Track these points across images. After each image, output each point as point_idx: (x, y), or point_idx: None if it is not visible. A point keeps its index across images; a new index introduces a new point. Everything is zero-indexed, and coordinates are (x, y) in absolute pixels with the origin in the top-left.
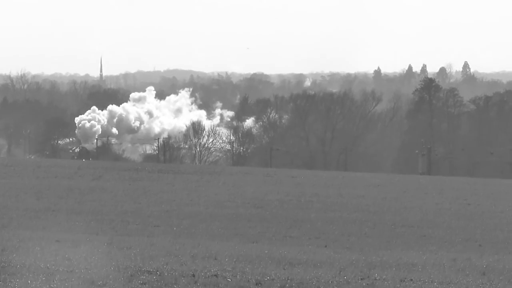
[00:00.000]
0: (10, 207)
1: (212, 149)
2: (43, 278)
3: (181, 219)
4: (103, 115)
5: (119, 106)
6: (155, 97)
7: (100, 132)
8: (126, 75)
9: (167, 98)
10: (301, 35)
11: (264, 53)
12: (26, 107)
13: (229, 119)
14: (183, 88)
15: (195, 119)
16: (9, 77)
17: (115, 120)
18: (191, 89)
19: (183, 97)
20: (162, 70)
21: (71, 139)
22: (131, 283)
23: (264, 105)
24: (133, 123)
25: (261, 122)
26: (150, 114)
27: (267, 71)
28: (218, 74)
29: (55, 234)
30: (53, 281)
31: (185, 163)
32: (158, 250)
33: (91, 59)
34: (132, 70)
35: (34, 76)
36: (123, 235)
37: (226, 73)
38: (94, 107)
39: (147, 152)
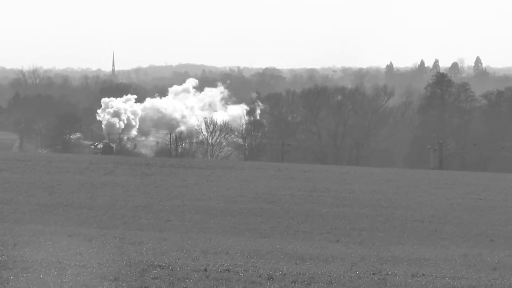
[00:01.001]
0: (22, 202)
1: (224, 143)
2: (55, 273)
3: (192, 214)
4: (140, 109)
5: (161, 98)
6: (194, 90)
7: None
8: (138, 70)
9: (203, 92)
10: (313, 30)
11: (276, 48)
12: (38, 101)
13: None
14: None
15: (236, 113)
16: (21, 71)
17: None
18: (228, 82)
19: (219, 92)
20: (174, 65)
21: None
22: (142, 278)
23: (276, 100)
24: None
25: (273, 117)
26: (191, 109)
27: (279, 66)
28: (230, 68)
29: (67, 228)
30: (65, 275)
31: (197, 157)
32: (169, 245)
33: (103, 54)
34: (144, 64)
35: (46, 71)
36: (135, 230)
37: (238, 67)
38: (130, 98)
39: (159, 145)
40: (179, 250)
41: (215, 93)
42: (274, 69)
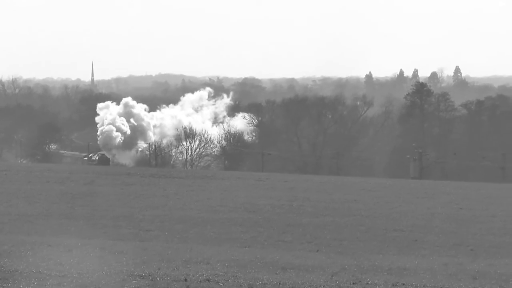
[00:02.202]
0: (2, 212)
1: (203, 153)
2: (35, 283)
3: (173, 224)
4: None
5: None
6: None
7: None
8: (117, 80)
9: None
10: (293, 40)
11: (256, 58)
12: (18, 111)
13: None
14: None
15: (239, 125)
16: (0, 81)
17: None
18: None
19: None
20: (153, 75)
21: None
22: None
23: (256, 110)
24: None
25: (252, 127)
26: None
27: (258, 76)
28: (210, 78)
29: (47, 238)
30: (45, 285)
31: (176, 167)
32: (150, 255)
33: (83, 63)
34: (124, 74)
35: (25, 81)
36: (116, 239)
37: (218, 77)
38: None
39: (138, 155)
40: (160, 260)
41: (222, 103)
42: (254, 79)
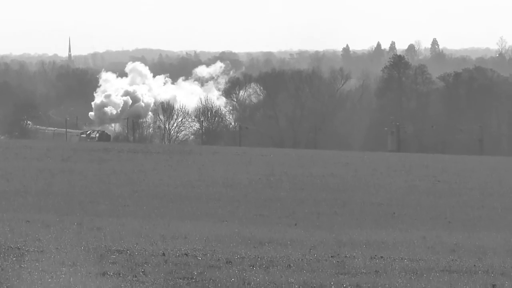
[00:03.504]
0: None
1: (181, 128)
2: (14, 259)
3: (151, 199)
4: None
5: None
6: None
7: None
8: (94, 55)
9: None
10: (269, 13)
11: (232, 32)
12: None
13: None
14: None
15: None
16: None
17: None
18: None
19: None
20: (130, 50)
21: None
22: (101, 263)
23: (232, 84)
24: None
25: (229, 101)
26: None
27: (235, 50)
28: (187, 53)
29: (25, 215)
30: (23, 261)
31: (154, 142)
32: (128, 231)
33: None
34: (101, 50)
35: (2, 57)
36: (93, 215)
37: (195, 51)
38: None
39: (116, 131)
40: (137, 235)
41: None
42: (230, 53)
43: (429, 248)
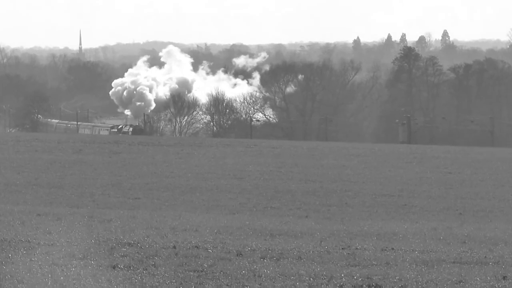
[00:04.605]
0: None
1: (192, 121)
2: (24, 252)
3: (161, 192)
4: None
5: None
6: None
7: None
8: (105, 48)
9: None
10: (280, 5)
11: (243, 24)
12: (6, 81)
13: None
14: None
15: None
16: None
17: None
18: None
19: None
20: (141, 42)
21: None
22: (111, 256)
23: (244, 76)
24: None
25: (242, 93)
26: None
27: (246, 42)
28: (198, 45)
29: (36, 208)
30: (34, 254)
31: (165, 135)
32: (138, 223)
33: (70, 32)
34: (111, 42)
35: (13, 50)
36: (104, 208)
37: (206, 44)
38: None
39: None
40: (148, 228)
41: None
42: (241, 45)
43: (440, 239)
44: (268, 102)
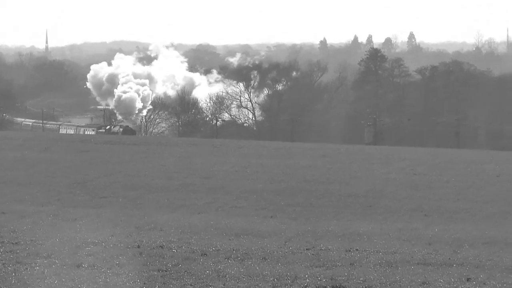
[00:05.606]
0: None
1: (158, 120)
2: None
3: (127, 191)
4: None
5: None
6: None
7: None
8: (72, 47)
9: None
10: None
11: (209, 24)
12: None
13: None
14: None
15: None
16: None
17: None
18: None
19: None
20: (108, 42)
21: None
22: (76, 255)
23: (210, 76)
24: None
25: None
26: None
27: (212, 42)
28: (164, 45)
29: (1, 206)
30: None
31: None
32: (104, 222)
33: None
34: (78, 41)
35: None
36: (69, 207)
37: (172, 43)
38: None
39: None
40: (113, 227)
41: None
42: (208, 45)
43: (405, 240)
44: (234, 102)
